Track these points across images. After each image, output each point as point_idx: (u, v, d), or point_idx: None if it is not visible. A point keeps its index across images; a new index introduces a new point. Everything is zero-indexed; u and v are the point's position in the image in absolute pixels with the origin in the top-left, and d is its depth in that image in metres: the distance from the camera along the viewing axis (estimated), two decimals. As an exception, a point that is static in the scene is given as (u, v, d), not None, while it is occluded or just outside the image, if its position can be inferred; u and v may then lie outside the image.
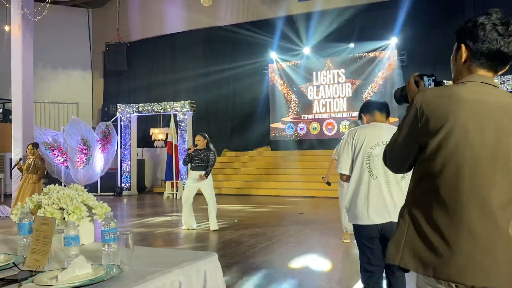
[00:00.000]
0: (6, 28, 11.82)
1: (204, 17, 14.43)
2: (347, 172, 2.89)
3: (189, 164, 7.07)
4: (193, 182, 7.04)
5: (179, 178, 12.97)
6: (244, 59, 14.47)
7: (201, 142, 7.03)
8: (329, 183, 5.90)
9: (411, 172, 1.69)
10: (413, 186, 1.54)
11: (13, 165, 9.26)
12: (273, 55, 14.38)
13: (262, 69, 14.59)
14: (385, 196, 2.74)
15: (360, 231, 2.85)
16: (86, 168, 13.10)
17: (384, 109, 3.01)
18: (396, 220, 2.12)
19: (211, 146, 7.13)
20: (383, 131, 2.85)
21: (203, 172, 6.88)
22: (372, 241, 2.81)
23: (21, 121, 9.52)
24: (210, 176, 7.03)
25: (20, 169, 8.73)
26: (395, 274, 2.90)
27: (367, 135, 2.84)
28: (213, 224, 7.09)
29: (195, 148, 7.04)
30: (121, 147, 13.96)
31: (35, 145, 8.61)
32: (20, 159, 9.02)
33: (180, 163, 13.11)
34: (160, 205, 11.13)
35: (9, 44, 9.89)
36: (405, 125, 1.51)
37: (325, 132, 13.81)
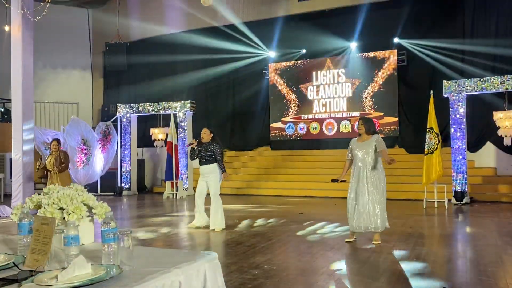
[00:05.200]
0: (6, 28, 11.81)
1: (204, 17, 14.43)
2: None
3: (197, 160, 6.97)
4: (202, 178, 6.97)
5: (179, 178, 12.98)
6: (244, 59, 14.47)
7: (207, 135, 6.96)
8: (343, 180, 5.94)
9: None
10: None
11: (38, 168, 9.06)
12: (273, 54, 14.39)
13: (262, 68, 14.59)
14: None
15: None
16: (86, 168, 13.10)
17: None
18: None
19: (217, 138, 7.05)
20: None
21: (213, 168, 6.84)
22: None
23: (21, 121, 9.51)
24: (217, 172, 6.92)
25: (44, 168, 8.79)
26: None
27: None
28: (215, 222, 6.90)
29: (197, 141, 6.98)
30: (121, 147, 13.97)
31: (59, 141, 8.96)
32: (40, 158, 9.07)
33: (180, 163, 13.14)
34: (160, 205, 11.12)
35: (9, 44, 9.88)
36: None
37: (325, 132, 13.80)
